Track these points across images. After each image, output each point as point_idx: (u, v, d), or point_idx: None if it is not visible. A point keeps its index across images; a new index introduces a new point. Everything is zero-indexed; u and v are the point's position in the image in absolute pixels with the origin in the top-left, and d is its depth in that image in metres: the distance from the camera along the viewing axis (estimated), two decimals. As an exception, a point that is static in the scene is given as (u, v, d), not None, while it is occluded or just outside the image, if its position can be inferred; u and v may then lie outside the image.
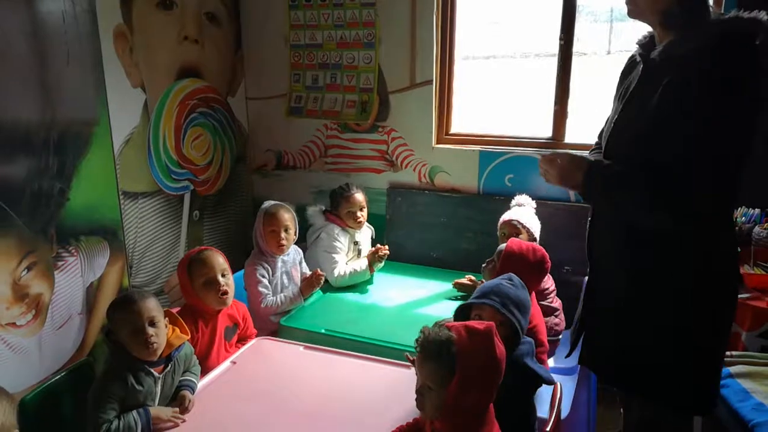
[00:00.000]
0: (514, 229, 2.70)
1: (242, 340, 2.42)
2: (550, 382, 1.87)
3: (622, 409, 2.07)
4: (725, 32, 1.47)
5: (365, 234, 3.14)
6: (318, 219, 3.05)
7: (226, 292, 2.23)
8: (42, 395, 1.85)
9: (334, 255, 2.94)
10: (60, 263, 2.41)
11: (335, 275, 2.90)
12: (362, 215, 3.02)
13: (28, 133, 2.25)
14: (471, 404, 1.47)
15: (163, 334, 1.87)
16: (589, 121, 3.04)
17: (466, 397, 1.46)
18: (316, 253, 2.97)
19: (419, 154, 3.27)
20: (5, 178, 2.16)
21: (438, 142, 3.26)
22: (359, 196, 3.02)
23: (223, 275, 2.25)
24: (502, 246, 2.36)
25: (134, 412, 1.76)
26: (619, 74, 1.85)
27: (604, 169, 1.66)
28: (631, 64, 1.77)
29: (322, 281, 2.75)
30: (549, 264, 2.31)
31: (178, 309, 2.17)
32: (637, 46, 1.73)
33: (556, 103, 3.05)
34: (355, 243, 3.07)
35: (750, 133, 1.48)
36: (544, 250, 2.33)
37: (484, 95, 3.42)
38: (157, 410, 1.81)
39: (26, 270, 2.26)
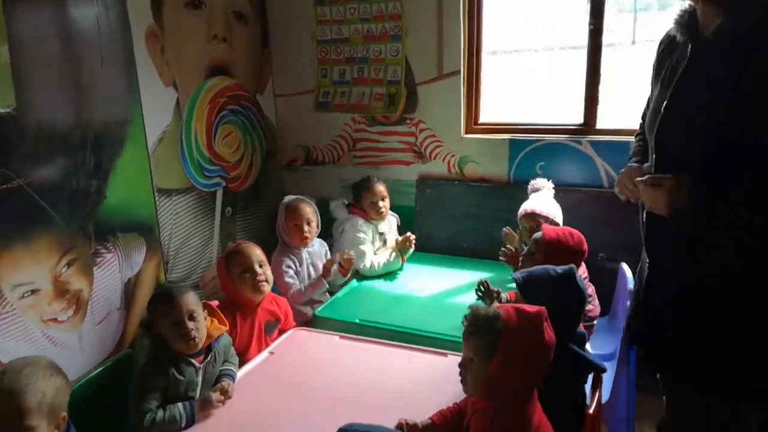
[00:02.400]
0: (535, 220, 2.67)
1: (282, 332, 2.45)
2: (603, 370, 1.84)
3: (664, 397, 2.04)
4: None
5: (389, 223, 3.15)
6: (341, 212, 3.09)
7: (262, 281, 2.26)
8: (85, 387, 1.89)
9: (361, 247, 2.95)
10: (98, 259, 2.46)
11: (367, 267, 2.92)
12: (384, 205, 3.04)
13: (65, 133, 2.30)
14: (512, 384, 1.46)
15: (202, 327, 1.90)
16: (619, 107, 3.02)
17: (507, 376, 1.46)
18: (342, 246, 2.99)
19: (448, 144, 3.26)
20: (45, 178, 2.21)
21: (467, 132, 3.23)
22: (380, 187, 3.05)
23: (260, 265, 2.28)
24: (538, 234, 2.35)
25: (179, 405, 1.79)
26: (655, 55, 1.75)
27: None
28: (671, 44, 1.67)
29: (352, 262, 2.78)
30: (586, 245, 2.31)
31: (218, 304, 2.20)
32: (676, 24, 1.61)
33: (587, 89, 3.01)
34: (380, 234, 3.08)
35: None
36: (579, 233, 2.32)
37: (511, 88, 3.38)
38: (200, 398, 1.84)
39: (66, 266, 2.31)
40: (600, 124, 3.04)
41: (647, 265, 1.83)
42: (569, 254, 2.26)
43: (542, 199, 2.79)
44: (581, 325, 2.25)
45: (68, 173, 2.31)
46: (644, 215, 1.80)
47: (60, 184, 2.28)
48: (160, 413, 1.75)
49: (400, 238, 3.02)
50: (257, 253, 2.33)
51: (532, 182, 2.87)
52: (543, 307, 1.54)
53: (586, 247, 2.35)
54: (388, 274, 2.97)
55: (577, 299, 1.82)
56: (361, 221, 3.03)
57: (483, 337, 1.51)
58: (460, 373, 1.58)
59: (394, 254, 2.97)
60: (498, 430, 1.46)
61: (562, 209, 2.80)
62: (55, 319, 2.28)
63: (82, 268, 2.38)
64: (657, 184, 1.57)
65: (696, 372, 1.65)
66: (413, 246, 3.01)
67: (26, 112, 2.13)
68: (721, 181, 1.47)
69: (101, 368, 1.97)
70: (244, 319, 2.30)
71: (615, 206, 2.93)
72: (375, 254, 3.00)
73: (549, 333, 1.51)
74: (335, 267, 2.78)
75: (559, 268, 1.88)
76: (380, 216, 3.04)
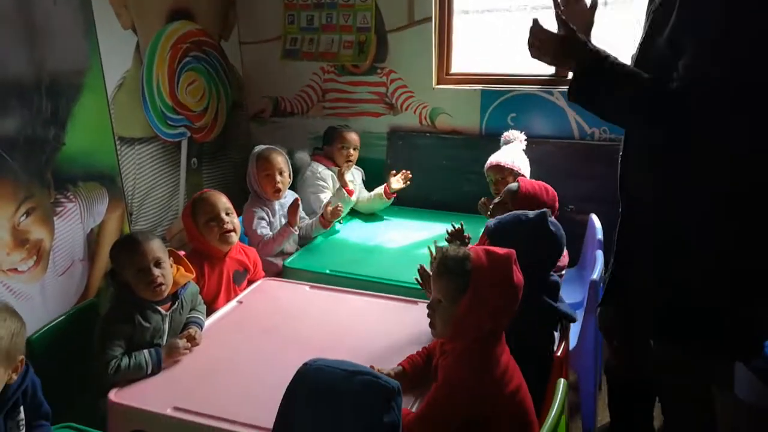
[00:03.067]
0: (500, 172, 2.67)
1: (251, 282, 2.42)
2: (573, 320, 1.86)
3: (605, 340, 2.08)
4: None
5: (353, 176, 3.12)
6: (303, 160, 3.05)
7: (229, 231, 2.21)
8: (48, 334, 1.85)
9: (320, 195, 2.93)
10: (59, 209, 2.37)
11: (361, 204, 2.98)
12: (354, 154, 3.03)
13: (18, 76, 2.17)
14: (479, 324, 1.47)
15: (169, 274, 1.86)
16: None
17: (475, 316, 1.46)
18: (304, 195, 2.95)
19: (419, 95, 3.21)
20: (-2, 121, 2.11)
21: (438, 83, 3.18)
22: (354, 136, 3.05)
23: (227, 213, 2.23)
24: (513, 185, 2.35)
25: (146, 352, 1.76)
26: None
27: (606, 55, 1.52)
28: None
29: (338, 214, 2.75)
30: (558, 204, 2.35)
31: (184, 254, 2.15)
32: None
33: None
34: None
35: None
36: (554, 191, 2.34)
37: (483, 44, 3.32)
38: (167, 345, 1.81)
39: (25, 215, 2.22)
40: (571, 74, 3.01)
41: (620, 210, 1.81)
42: (542, 208, 2.27)
43: (510, 152, 2.78)
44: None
45: (23, 119, 2.20)
46: (620, 159, 1.79)
47: (14, 130, 2.17)
48: (125, 360, 1.71)
49: (391, 181, 2.99)
50: (223, 201, 2.27)
51: (505, 134, 2.85)
52: (512, 250, 1.54)
53: (558, 205, 2.38)
54: (358, 226, 2.96)
55: (548, 245, 1.82)
56: (321, 168, 3.00)
57: (452, 277, 1.50)
58: (429, 315, 1.57)
59: (342, 193, 2.90)
60: (465, 369, 1.47)
61: (533, 161, 2.80)
62: (15, 269, 2.20)
63: (42, 218, 2.29)
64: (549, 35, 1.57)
65: (671, 325, 1.62)
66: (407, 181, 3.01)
67: (-26, 52, 2.01)
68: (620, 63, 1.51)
69: (64, 316, 1.92)
70: (212, 268, 2.26)
71: (585, 158, 2.97)
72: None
73: (518, 275, 1.51)
74: (316, 219, 2.75)
75: (531, 213, 1.86)
76: (346, 165, 3.00)
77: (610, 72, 1.51)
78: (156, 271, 1.80)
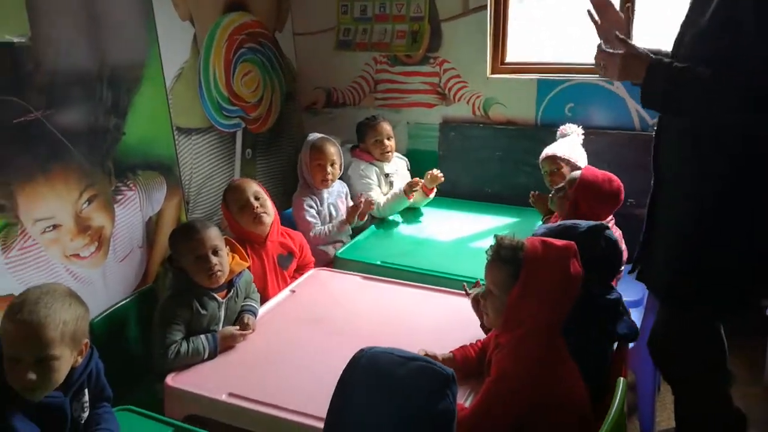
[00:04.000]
0: (555, 164, 2.59)
1: (301, 269, 2.43)
2: (633, 339, 1.74)
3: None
4: None
5: (396, 165, 3.08)
6: (345, 156, 3.02)
7: (261, 213, 2.24)
8: (108, 319, 1.90)
9: (370, 193, 2.90)
10: (119, 197, 2.44)
11: (376, 210, 2.89)
12: (390, 145, 2.98)
13: (81, 66, 2.24)
14: (532, 315, 1.43)
15: (225, 262, 1.89)
16: (653, 45, 2.87)
17: (526, 306, 1.43)
18: (352, 193, 2.95)
19: (473, 85, 3.15)
20: (62, 112, 2.17)
21: (493, 72, 3.12)
22: (386, 125, 2.99)
23: (256, 198, 2.27)
24: (575, 173, 2.27)
25: (203, 337, 1.79)
26: None
27: (667, 63, 1.58)
28: None
29: (372, 207, 2.72)
30: (623, 195, 2.23)
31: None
32: None
33: (619, 27, 2.86)
34: (386, 176, 3.02)
35: None
36: (620, 181, 2.24)
37: (540, 30, 3.24)
38: (223, 332, 1.84)
39: (87, 203, 2.29)
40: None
41: (652, 184, 1.84)
42: (602, 199, 2.19)
43: (566, 143, 2.70)
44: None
45: (86, 108, 2.27)
46: (654, 138, 1.80)
47: (78, 119, 2.24)
48: (184, 345, 1.75)
49: (428, 175, 2.92)
50: (252, 186, 2.33)
51: (562, 128, 2.77)
52: (572, 242, 1.49)
53: (622, 197, 2.25)
54: (409, 218, 2.93)
55: (599, 261, 1.64)
56: (363, 165, 2.97)
57: (503, 267, 1.47)
58: (482, 305, 1.55)
59: (396, 193, 2.89)
60: (519, 362, 1.44)
61: (591, 153, 2.71)
62: (78, 255, 2.28)
63: (103, 205, 2.36)
64: (612, 53, 1.66)
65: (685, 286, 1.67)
66: (439, 180, 2.93)
67: (40, 43, 2.07)
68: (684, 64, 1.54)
69: (124, 301, 1.97)
70: (255, 253, 2.29)
71: (646, 150, 2.84)
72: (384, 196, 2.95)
73: (575, 266, 1.46)
74: (339, 221, 2.76)
75: (584, 225, 1.74)
76: (385, 156, 2.97)
77: (681, 74, 1.54)
78: (213, 259, 1.83)
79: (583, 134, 2.75)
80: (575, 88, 2.94)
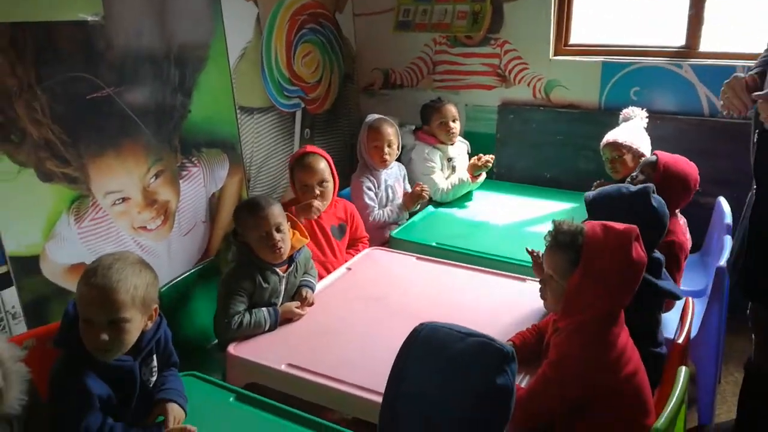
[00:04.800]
0: (616, 150, 2.51)
1: (354, 244, 2.47)
2: (678, 297, 1.75)
3: (753, 335, 1.93)
4: None
5: (458, 149, 3.05)
6: (408, 139, 3.01)
7: (316, 207, 2.32)
8: (173, 290, 1.97)
9: (432, 176, 2.89)
10: (184, 173, 2.52)
11: (438, 195, 2.87)
12: (454, 127, 2.95)
13: (150, 45, 2.32)
14: (592, 301, 1.41)
15: (287, 239, 1.93)
16: (725, 27, 2.75)
17: (587, 292, 1.40)
18: (413, 176, 2.94)
19: (535, 67, 3.09)
20: (132, 89, 2.25)
21: (556, 54, 3.05)
22: (451, 107, 2.96)
23: (320, 183, 2.34)
24: (652, 158, 2.19)
25: (265, 310, 1.84)
26: None
27: None
28: None
29: (426, 196, 2.73)
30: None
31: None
32: None
33: (691, 8, 2.75)
34: (449, 159, 2.99)
35: None
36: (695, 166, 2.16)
37: (605, 9, 3.14)
38: (284, 307, 1.89)
39: (154, 177, 2.38)
40: (703, 47, 2.79)
41: (754, 191, 1.70)
42: (685, 186, 2.11)
43: (629, 129, 2.61)
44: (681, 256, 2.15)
45: (154, 86, 2.35)
46: (755, 136, 1.66)
47: (147, 96, 2.32)
48: (247, 316, 1.81)
49: (474, 160, 2.92)
50: (318, 173, 2.35)
51: (625, 111, 2.69)
52: (634, 226, 1.46)
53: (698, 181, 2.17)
54: (465, 202, 2.91)
55: (648, 221, 1.66)
56: (427, 149, 2.95)
57: (562, 253, 1.45)
58: (541, 290, 1.53)
59: (463, 175, 2.89)
60: (578, 347, 1.42)
61: (656, 138, 2.62)
62: (145, 227, 2.38)
63: (170, 180, 2.45)
64: None
65: None
66: (489, 167, 2.91)
67: (112, 22, 2.15)
68: None
69: (188, 273, 2.05)
70: (309, 224, 2.34)
71: (715, 137, 2.75)
72: (445, 180, 2.93)
73: (638, 252, 1.43)
74: (398, 204, 2.78)
75: (634, 187, 1.76)
76: (450, 138, 2.94)
77: None
78: (277, 236, 1.88)
79: (647, 118, 2.66)
80: (641, 72, 2.85)
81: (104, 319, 1.36)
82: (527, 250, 1.90)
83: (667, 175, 2.08)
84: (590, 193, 1.82)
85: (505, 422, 1.04)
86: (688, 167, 2.14)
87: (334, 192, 2.42)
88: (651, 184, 1.77)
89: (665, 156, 2.16)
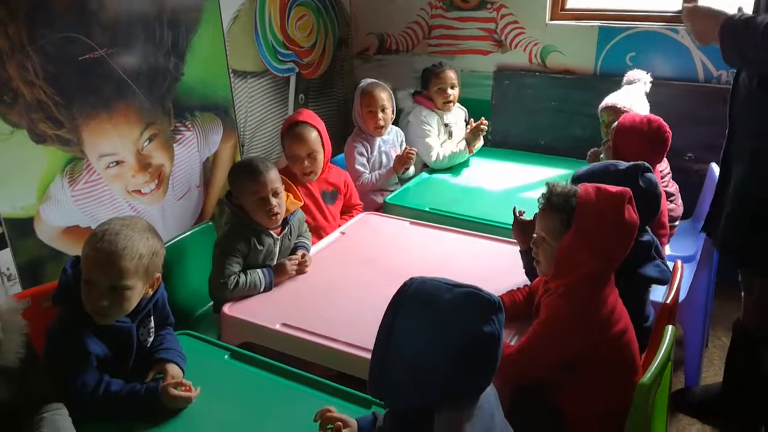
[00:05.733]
0: (615, 114, 2.46)
1: (348, 210, 2.47)
2: (663, 282, 1.74)
3: (743, 293, 1.96)
4: None
5: (456, 115, 3.04)
6: (406, 102, 3.00)
7: (308, 173, 2.32)
8: (169, 250, 1.97)
9: (426, 139, 2.88)
10: (178, 137, 2.51)
11: (432, 159, 2.86)
12: (453, 94, 2.93)
13: (142, 8, 2.29)
14: (583, 262, 1.42)
15: (283, 203, 1.94)
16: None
17: (578, 253, 1.42)
18: (408, 139, 2.93)
19: (531, 32, 3.07)
20: (125, 51, 2.23)
21: (552, 18, 3.03)
22: (451, 73, 2.92)
23: (309, 155, 2.30)
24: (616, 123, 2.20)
25: (260, 271, 1.86)
26: None
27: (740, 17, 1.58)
28: None
29: (413, 157, 2.72)
30: (669, 135, 2.12)
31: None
32: None
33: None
34: (446, 125, 2.98)
35: None
36: (661, 120, 2.14)
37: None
38: (277, 264, 1.91)
39: (148, 141, 2.38)
40: (702, 11, 2.77)
41: (725, 141, 1.79)
42: (644, 142, 2.07)
43: (629, 93, 2.60)
44: (665, 221, 2.16)
45: (147, 48, 2.32)
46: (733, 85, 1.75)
47: (139, 58, 2.30)
48: (242, 277, 1.82)
49: (471, 125, 2.92)
50: (309, 144, 2.31)
51: (629, 73, 2.65)
52: (628, 189, 1.47)
53: (668, 136, 2.12)
54: (459, 168, 2.91)
55: (641, 199, 1.56)
56: (425, 112, 2.93)
57: (555, 214, 1.46)
58: (533, 253, 1.55)
59: (460, 145, 2.89)
60: (568, 307, 1.44)
61: (652, 104, 2.61)
62: (139, 191, 2.38)
63: (163, 144, 2.45)
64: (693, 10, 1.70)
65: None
66: (481, 138, 2.90)
67: (106, -18, 2.12)
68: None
69: (183, 235, 2.06)
70: (302, 188, 2.33)
71: (709, 103, 2.75)
72: (441, 146, 2.93)
73: (630, 213, 1.44)
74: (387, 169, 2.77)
75: (623, 164, 1.72)
76: (447, 105, 2.93)
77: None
78: (273, 201, 1.88)
79: (651, 82, 2.64)
80: (638, 37, 2.83)
81: (106, 284, 1.36)
82: (514, 210, 1.89)
83: (620, 132, 2.09)
84: (580, 170, 1.80)
85: (492, 371, 1.06)
86: (643, 123, 2.11)
87: (325, 160, 2.40)
88: (642, 162, 1.74)
89: (625, 117, 2.16)
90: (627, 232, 1.45)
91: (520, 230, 1.81)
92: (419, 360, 1.03)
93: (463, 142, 2.89)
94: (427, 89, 2.97)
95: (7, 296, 1.27)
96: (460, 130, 3.01)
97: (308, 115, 2.40)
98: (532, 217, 1.78)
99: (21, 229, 2.02)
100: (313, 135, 2.33)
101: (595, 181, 1.68)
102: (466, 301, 1.05)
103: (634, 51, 2.85)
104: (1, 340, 1.21)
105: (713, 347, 2.53)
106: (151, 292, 1.48)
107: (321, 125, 2.38)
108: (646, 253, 1.73)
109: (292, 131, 2.33)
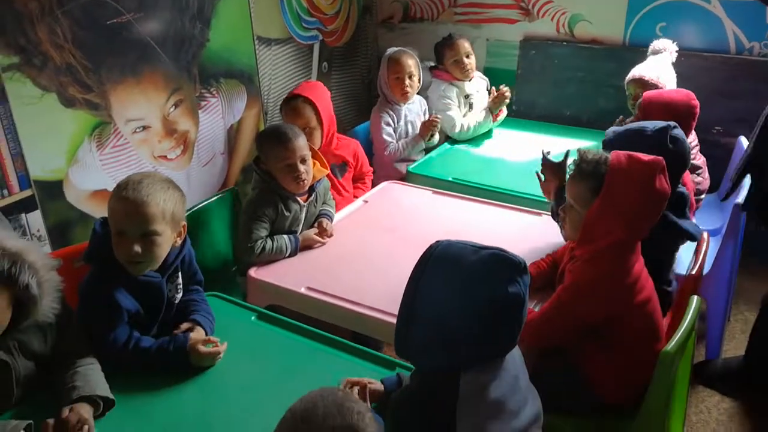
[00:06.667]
0: (641, 87, 2.41)
1: (361, 177, 2.48)
2: (695, 239, 1.75)
3: None
4: None
5: (476, 85, 2.99)
6: (425, 76, 2.95)
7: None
8: (195, 215, 2.01)
9: (448, 112, 2.85)
10: (203, 103, 2.53)
11: (456, 131, 2.84)
12: (469, 63, 2.87)
13: (169, -29, 2.29)
14: (610, 230, 1.42)
15: (311, 170, 1.95)
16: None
17: (605, 220, 1.42)
18: (430, 114, 2.91)
19: (559, 1, 3.01)
20: (151, 16, 2.24)
21: (582, -14, 2.97)
22: (464, 42, 2.86)
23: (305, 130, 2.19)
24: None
25: (286, 237, 1.89)
26: None
27: None
28: None
29: (438, 124, 2.71)
30: (697, 108, 2.08)
31: None
32: None
33: (725, -62, 2.64)
34: (466, 96, 2.94)
35: None
36: (690, 93, 2.10)
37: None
38: (304, 235, 1.93)
39: (174, 107, 2.39)
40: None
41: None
42: (670, 111, 2.04)
43: (656, 65, 2.54)
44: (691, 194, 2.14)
45: (173, 14, 2.33)
46: None
47: (166, 23, 2.31)
48: (269, 242, 1.85)
49: (492, 95, 2.88)
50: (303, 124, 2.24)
51: (654, 43, 2.60)
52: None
53: (695, 104, 2.08)
54: (482, 138, 2.89)
55: (672, 157, 1.58)
56: (444, 85, 2.90)
57: (584, 181, 1.46)
58: (561, 219, 1.55)
59: (484, 114, 2.86)
60: (594, 273, 1.44)
61: (680, 77, 2.56)
62: (165, 157, 2.41)
63: (189, 110, 2.46)
64: None
65: None
66: (507, 99, 2.87)
67: (133, -55, 2.12)
68: None
69: (208, 200, 2.08)
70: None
71: (740, 75, 2.69)
72: (464, 117, 2.91)
73: (662, 183, 1.43)
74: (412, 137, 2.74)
75: (652, 124, 1.72)
76: (465, 74, 2.88)
77: None
78: (301, 168, 1.89)
79: (677, 51, 2.59)
80: (669, 6, 2.77)
81: (137, 231, 1.39)
82: (537, 173, 1.89)
83: (647, 105, 2.05)
84: (610, 131, 1.79)
85: (517, 332, 1.07)
86: (671, 94, 2.08)
87: (330, 135, 2.35)
88: (672, 122, 1.74)
89: (649, 92, 2.12)
90: (657, 201, 1.44)
91: (550, 171, 1.81)
92: (445, 320, 1.05)
93: (486, 111, 2.86)
94: (442, 63, 2.92)
95: (42, 254, 1.29)
96: (482, 99, 2.97)
97: (308, 89, 2.32)
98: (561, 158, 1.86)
99: (50, 192, 2.06)
100: (308, 110, 2.25)
101: (626, 141, 1.68)
102: (491, 262, 1.06)
103: (664, 21, 2.79)
104: (38, 296, 1.24)
105: (735, 321, 2.52)
106: (179, 242, 1.50)
107: (319, 101, 2.28)
108: (683, 205, 1.73)
109: (289, 105, 2.28)
